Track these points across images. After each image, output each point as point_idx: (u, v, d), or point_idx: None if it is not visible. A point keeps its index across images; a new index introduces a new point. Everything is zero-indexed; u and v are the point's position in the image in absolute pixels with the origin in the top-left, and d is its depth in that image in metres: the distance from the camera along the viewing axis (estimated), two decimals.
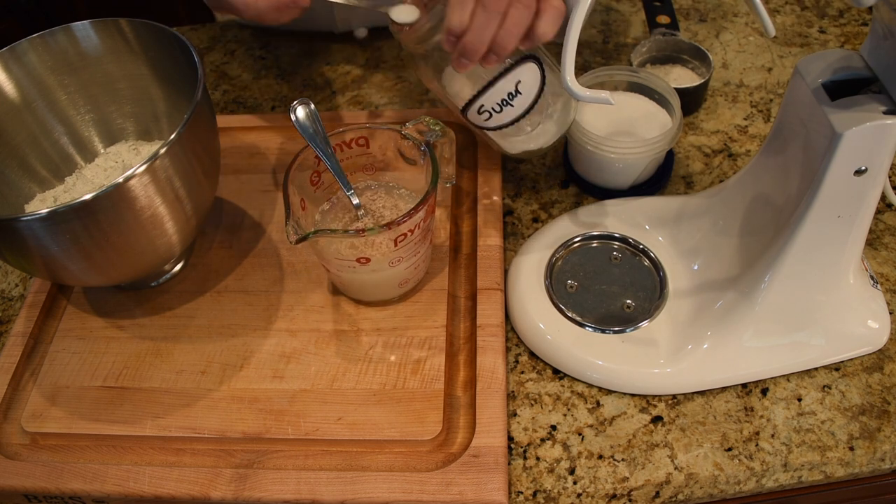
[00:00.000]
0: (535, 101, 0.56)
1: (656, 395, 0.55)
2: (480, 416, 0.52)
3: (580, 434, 0.53)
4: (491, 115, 0.57)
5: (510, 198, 0.68)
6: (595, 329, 0.56)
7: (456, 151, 0.60)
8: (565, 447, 0.53)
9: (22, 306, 0.62)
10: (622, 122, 0.66)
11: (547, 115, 0.58)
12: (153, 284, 0.62)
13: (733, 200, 0.56)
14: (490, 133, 0.59)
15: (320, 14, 0.82)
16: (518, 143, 0.60)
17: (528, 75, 0.55)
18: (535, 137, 0.59)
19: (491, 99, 0.56)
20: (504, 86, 0.55)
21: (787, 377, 0.55)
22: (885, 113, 0.43)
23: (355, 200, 0.57)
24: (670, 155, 0.69)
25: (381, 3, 0.57)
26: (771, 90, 0.76)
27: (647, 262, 0.60)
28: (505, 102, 0.56)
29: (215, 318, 0.59)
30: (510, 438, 0.53)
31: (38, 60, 0.59)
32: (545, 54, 0.57)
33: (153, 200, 0.50)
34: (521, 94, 0.56)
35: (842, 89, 0.45)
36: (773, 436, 0.52)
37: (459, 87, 0.57)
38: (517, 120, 0.57)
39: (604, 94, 0.50)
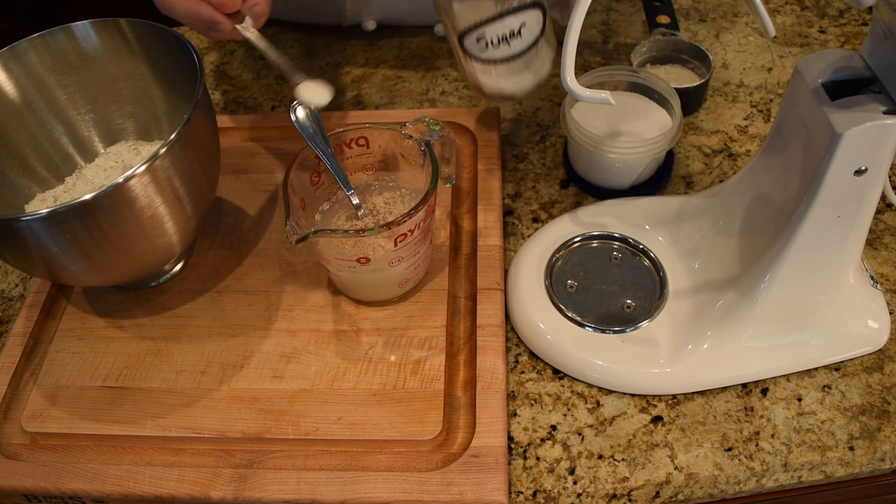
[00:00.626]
0: (530, 48, 0.58)
1: (656, 395, 0.55)
2: (480, 416, 0.52)
3: (580, 434, 0.53)
4: (487, 47, 0.57)
5: (510, 198, 0.68)
6: (595, 329, 0.56)
7: (456, 151, 0.60)
8: (565, 447, 0.53)
9: (22, 306, 0.62)
10: (622, 122, 0.66)
11: (534, 64, 0.59)
12: (153, 284, 0.62)
13: (733, 200, 0.56)
14: (476, 65, 0.60)
15: (328, 6, 0.81)
16: (499, 82, 0.60)
17: (532, 21, 0.56)
18: (516, 82, 0.60)
19: (494, 31, 0.57)
20: (510, 22, 0.56)
21: (787, 377, 0.55)
22: (885, 113, 0.43)
23: (355, 200, 0.57)
24: (670, 155, 0.69)
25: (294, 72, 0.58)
26: (771, 90, 0.76)
27: (647, 262, 0.60)
28: (504, 39, 0.57)
29: (215, 318, 0.59)
30: (510, 438, 0.53)
31: (38, 60, 0.59)
32: (548, 8, 0.58)
33: (153, 200, 0.50)
34: (521, 36, 0.57)
35: (842, 89, 0.45)
36: (773, 436, 0.52)
37: (469, 9, 0.57)
38: (508, 59, 0.58)
39: (604, 94, 0.50)
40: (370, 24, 0.83)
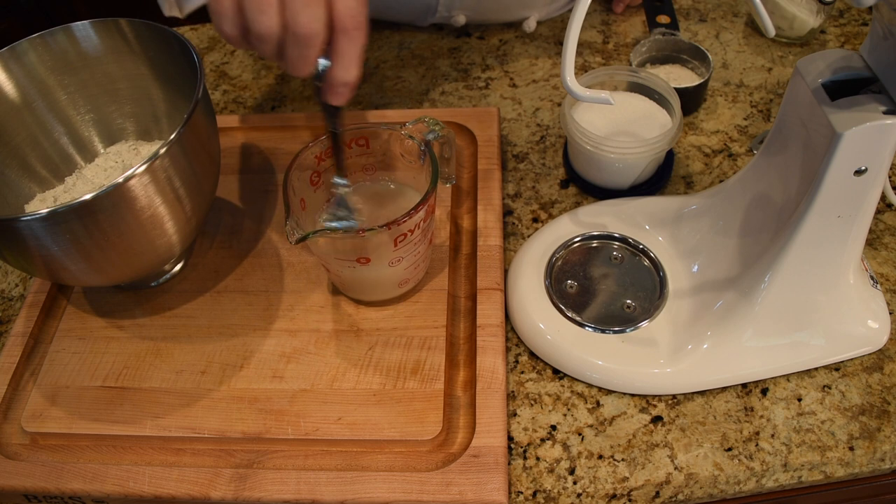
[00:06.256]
0: None
1: (656, 395, 0.55)
2: (480, 416, 0.52)
3: (580, 434, 0.53)
4: None
5: (510, 198, 0.68)
6: (595, 329, 0.56)
7: (456, 151, 0.60)
8: (565, 447, 0.53)
9: (22, 306, 0.62)
10: (622, 122, 0.66)
11: None
12: (153, 284, 0.62)
13: (733, 200, 0.56)
14: None
15: (415, 4, 0.80)
16: None
17: None
18: None
19: None
20: None
21: (787, 377, 0.55)
22: (885, 113, 0.43)
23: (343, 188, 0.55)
24: (670, 155, 0.69)
25: None
26: (771, 90, 0.76)
27: (647, 262, 0.60)
28: None
29: (215, 318, 0.59)
30: (510, 438, 0.53)
31: (38, 60, 0.59)
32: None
33: (153, 200, 0.50)
34: None
35: (842, 89, 0.45)
36: (773, 436, 0.52)
37: None
38: None
39: (604, 94, 0.50)
40: (460, 19, 0.81)
